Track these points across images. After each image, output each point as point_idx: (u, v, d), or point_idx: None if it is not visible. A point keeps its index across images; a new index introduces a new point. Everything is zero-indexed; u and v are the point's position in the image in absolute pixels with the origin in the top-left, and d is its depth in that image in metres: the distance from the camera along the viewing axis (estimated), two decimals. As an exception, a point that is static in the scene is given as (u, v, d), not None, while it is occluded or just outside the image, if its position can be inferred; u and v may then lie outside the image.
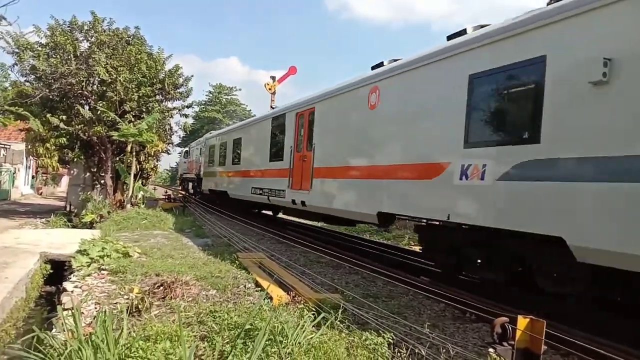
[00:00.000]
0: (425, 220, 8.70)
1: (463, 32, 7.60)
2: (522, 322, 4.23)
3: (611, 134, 5.00)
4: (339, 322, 5.16)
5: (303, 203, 12.31)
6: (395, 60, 9.35)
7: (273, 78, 27.83)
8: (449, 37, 7.92)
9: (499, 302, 6.52)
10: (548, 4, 6.07)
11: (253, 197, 16.52)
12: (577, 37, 5.47)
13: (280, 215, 19.72)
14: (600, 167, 5.06)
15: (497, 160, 6.35)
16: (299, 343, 4.45)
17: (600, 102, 5.14)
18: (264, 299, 6.02)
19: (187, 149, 36.99)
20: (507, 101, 6.61)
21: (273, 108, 15.31)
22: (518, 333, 4.20)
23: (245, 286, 7.39)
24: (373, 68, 10.05)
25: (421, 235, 9.16)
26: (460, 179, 6.96)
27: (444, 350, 4.67)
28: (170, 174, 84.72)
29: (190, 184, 33.17)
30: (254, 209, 20.32)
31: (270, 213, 20.55)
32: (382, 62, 9.77)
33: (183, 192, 34.33)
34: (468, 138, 6.92)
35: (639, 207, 4.65)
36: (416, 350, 4.67)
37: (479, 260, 7.41)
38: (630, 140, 4.79)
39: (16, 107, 17.72)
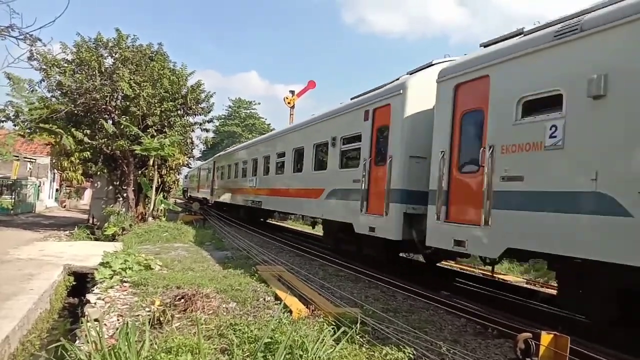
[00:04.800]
0: None
1: None
2: (546, 338, 4.17)
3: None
4: (359, 337, 5.14)
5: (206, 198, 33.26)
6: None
7: (292, 92, 28.12)
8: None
9: (521, 317, 6.42)
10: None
11: (196, 196, 39.21)
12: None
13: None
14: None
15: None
16: (319, 357, 4.43)
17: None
18: (284, 313, 6.03)
19: (187, 173, 53.55)
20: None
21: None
22: (542, 349, 4.13)
23: (264, 299, 7.41)
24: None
25: None
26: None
27: (466, 366, 4.61)
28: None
29: (186, 194, 55.81)
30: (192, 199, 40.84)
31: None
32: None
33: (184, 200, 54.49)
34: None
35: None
36: (437, 366, 4.62)
37: None
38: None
39: (50, 125, 18.16)
